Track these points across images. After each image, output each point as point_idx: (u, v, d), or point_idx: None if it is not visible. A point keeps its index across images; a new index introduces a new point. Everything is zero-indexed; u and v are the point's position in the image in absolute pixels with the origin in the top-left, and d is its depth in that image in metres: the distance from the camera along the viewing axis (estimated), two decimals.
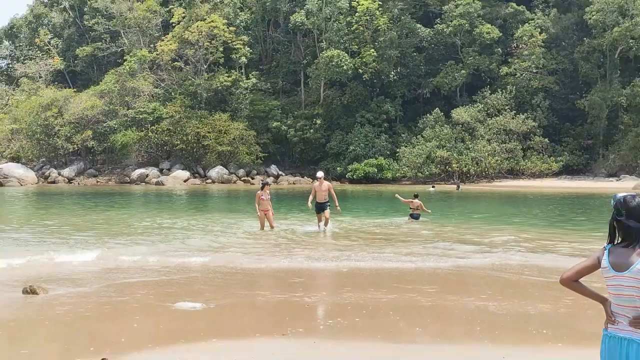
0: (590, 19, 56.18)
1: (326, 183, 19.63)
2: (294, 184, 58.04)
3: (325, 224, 19.06)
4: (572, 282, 3.90)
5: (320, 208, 19.14)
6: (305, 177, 59.12)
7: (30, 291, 10.22)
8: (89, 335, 8.23)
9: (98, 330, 8.49)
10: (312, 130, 60.92)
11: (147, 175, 59.04)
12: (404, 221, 22.80)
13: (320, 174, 20.60)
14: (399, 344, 7.57)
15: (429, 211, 23.42)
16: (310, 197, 19.57)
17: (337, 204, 19.63)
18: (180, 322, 8.67)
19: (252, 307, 9.99)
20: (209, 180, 58.99)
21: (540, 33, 59.48)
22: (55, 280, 11.50)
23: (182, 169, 60.54)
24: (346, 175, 57.81)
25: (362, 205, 33.25)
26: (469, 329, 8.40)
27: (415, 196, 23.56)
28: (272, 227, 19.24)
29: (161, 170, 60.85)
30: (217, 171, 59.61)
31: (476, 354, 7.24)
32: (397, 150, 58.17)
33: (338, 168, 58.95)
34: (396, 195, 24.85)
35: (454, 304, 9.97)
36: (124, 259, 13.95)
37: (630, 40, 55.10)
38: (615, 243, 3.79)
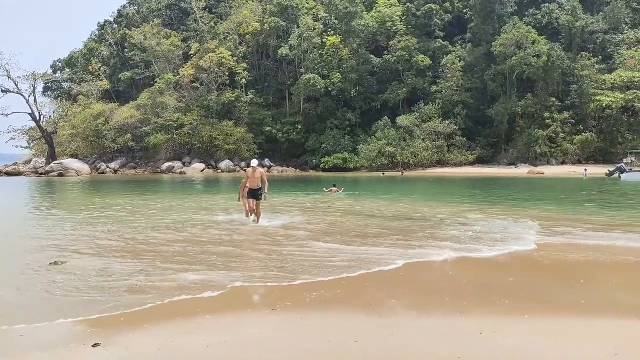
0: (495, 51, 54.82)
1: (260, 170, 14.21)
2: (282, 172, 55.82)
3: (257, 220, 13.88)
4: None
5: (252, 195, 13.98)
6: (291, 168, 57.21)
7: (55, 263, 8.44)
8: None
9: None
10: (295, 133, 58.69)
11: (173, 167, 56.31)
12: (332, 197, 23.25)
13: (254, 162, 14.70)
14: (382, 319, 5.77)
15: (342, 189, 25.34)
16: (242, 187, 14.23)
17: (266, 191, 14.12)
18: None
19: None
20: (220, 170, 56.46)
21: (459, 61, 57.88)
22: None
23: (199, 162, 57.98)
24: (320, 166, 55.78)
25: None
26: (439, 300, 6.61)
27: (334, 185, 25.89)
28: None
29: (184, 163, 58.20)
30: (225, 163, 57.09)
31: (451, 325, 5.50)
32: (357, 147, 56.12)
33: (314, 160, 56.97)
34: (324, 189, 26.14)
35: (421, 275, 8.26)
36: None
37: (524, 66, 53.79)
38: None
